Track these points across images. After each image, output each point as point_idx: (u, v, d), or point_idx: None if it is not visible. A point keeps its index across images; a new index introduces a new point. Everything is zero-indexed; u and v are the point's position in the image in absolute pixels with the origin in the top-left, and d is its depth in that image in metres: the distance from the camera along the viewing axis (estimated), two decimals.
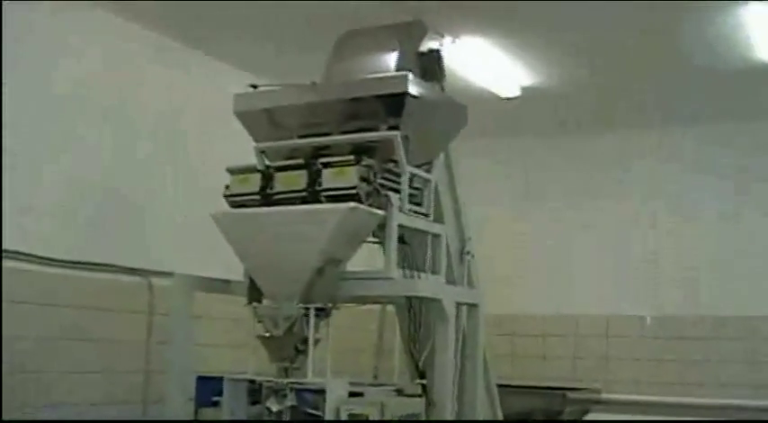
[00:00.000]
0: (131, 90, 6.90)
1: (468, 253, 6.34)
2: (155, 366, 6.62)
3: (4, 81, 5.79)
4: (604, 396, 9.13)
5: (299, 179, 5.29)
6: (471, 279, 6.34)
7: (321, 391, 5.07)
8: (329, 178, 5.21)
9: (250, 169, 5.48)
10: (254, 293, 5.41)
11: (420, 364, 5.71)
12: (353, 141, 5.48)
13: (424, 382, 5.63)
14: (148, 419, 6.33)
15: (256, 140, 5.75)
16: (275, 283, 5.33)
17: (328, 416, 5.01)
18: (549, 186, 10.24)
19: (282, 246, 5.23)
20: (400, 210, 5.37)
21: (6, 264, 5.80)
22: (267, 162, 5.59)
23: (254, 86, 5.79)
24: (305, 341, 5.24)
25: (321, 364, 5.26)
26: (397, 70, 5.66)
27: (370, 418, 4.99)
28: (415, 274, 5.60)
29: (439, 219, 5.93)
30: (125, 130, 6.83)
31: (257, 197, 5.39)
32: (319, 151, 5.50)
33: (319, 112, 5.62)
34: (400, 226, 5.38)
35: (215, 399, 5.44)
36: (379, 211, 5.26)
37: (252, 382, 5.33)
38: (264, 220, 5.31)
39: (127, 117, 6.84)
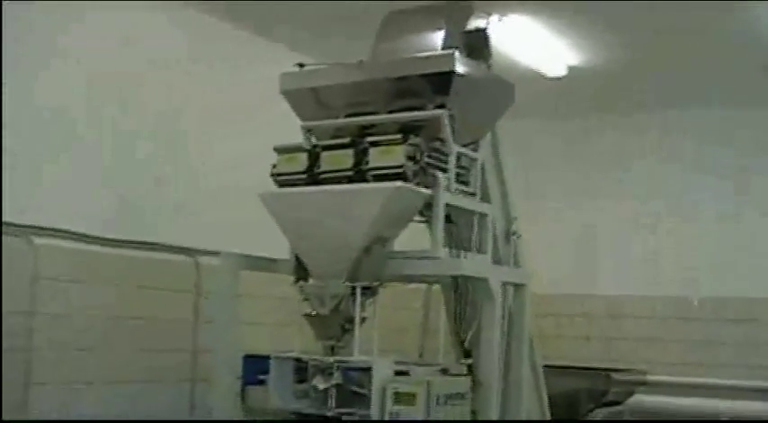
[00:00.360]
0: (180, 70, 6.89)
1: (515, 233, 6.33)
2: (201, 345, 6.66)
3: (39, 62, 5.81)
4: (650, 377, 9.07)
5: (345, 158, 5.29)
6: (518, 259, 6.33)
7: (367, 370, 5.09)
8: (376, 157, 5.21)
9: (297, 148, 5.48)
10: (301, 272, 5.43)
11: (466, 343, 5.70)
12: (400, 120, 5.47)
13: (469, 361, 5.63)
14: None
15: (303, 119, 5.75)
16: (322, 261, 5.34)
17: (374, 394, 5.03)
18: (594, 164, 10.14)
19: (329, 225, 5.24)
20: (447, 189, 5.36)
21: (52, 242, 5.84)
22: (314, 141, 5.59)
23: (301, 65, 5.78)
24: (351, 320, 5.26)
25: (367, 343, 5.27)
26: (444, 49, 5.64)
27: (417, 397, 4.99)
28: (462, 253, 5.58)
29: (485, 198, 5.91)
30: (173, 109, 6.84)
31: (304, 176, 5.39)
32: (366, 130, 5.50)
33: (366, 90, 5.62)
34: (447, 205, 5.36)
35: (261, 377, 5.47)
36: (426, 191, 5.25)
37: (298, 360, 5.35)
38: (311, 200, 5.32)
39: (174, 96, 6.84)
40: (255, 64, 7.34)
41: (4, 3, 5.37)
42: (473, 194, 5.68)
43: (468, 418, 5.40)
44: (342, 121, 5.65)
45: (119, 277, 6.28)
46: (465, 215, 5.66)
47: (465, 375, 5.53)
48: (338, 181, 5.28)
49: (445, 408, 5.11)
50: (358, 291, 5.21)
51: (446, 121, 5.33)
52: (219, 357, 5.74)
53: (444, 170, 5.36)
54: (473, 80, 5.52)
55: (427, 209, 5.39)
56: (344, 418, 5.05)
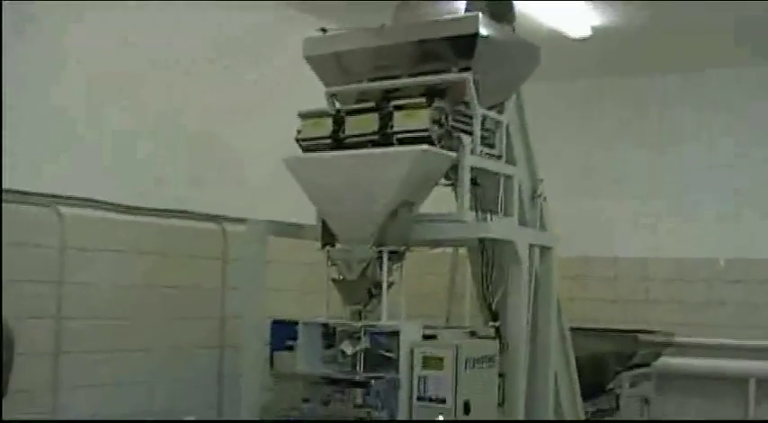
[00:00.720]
0: (203, 37, 6.87)
1: (541, 195, 6.30)
2: (230, 312, 6.68)
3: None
4: (677, 339, 9.05)
5: (370, 122, 5.27)
6: (544, 221, 6.31)
7: (395, 334, 5.11)
8: (401, 121, 5.19)
9: (321, 113, 5.48)
10: (328, 237, 5.44)
11: (493, 306, 5.70)
12: (425, 84, 5.45)
13: (497, 324, 5.64)
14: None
15: (326, 85, 5.74)
16: (348, 226, 5.34)
17: (402, 358, 5.05)
18: (620, 126, 10.07)
19: (355, 189, 5.24)
20: (472, 152, 5.35)
21: (79, 211, 5.86)
22: (338, 106, 5.58)
23: (324, 30, 5.76)
24: (378, 284, 5.27)
25: (394, 308, 5.28)
26: (467, 12, 5.60)
27: (445, 361, 5.00)
28: (488, 216, 5.57)
29: (511, 161, 5.89)
30: (203, 74, 6.81)
31: (329, 141, 5.39)
32: (390, 94, 5.48)
33: (389, 55, 5.59)
34: (472, 168, 5.36)
35: (289, 343, 5.50)
36: (452, 154, 5.24)
37: (326, 325, 5.37)
38: (336, 164, 5.32)
39: (203, 63, 6.81)
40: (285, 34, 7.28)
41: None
42: (498, 157, 5.67)
43: (497, 381, 5.42)
44: (366, 85, 5.63)
45: (146, 246, 6.29)
46: (491, 178, 5.65)
47: (493, 338, 5.55)
48: (363, 145, 5.27)
49: (473, 371, 5.12)
50: (385, 255, 5.22)
51: (471, 84, 5.31)
52: (248, 323, 5.77)
53: (469, 133, 5.35)
54: (497, 42, 5.48)
55: (453, 172, 5.39)
56: (373, 382, 5.06)
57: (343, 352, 5.20)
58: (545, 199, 6.34)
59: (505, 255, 5.61)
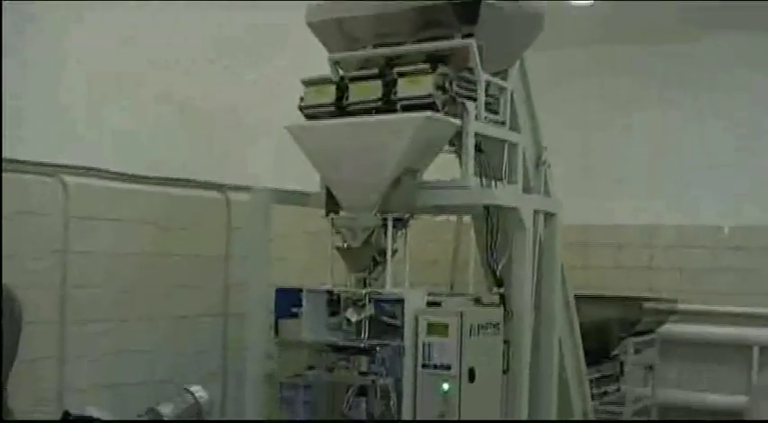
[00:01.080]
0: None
1: (545, 162, 6.29)
2: (234, 280, 6.68)
3: None
4: (681, 306, 9.07)
5: (373, 89, 5.25)
6: (548, 188, 6.30)
7: (399, 301, 5.11)
8: (404, 87, 5.17)
9: (324, 80, 5.46)
10: (332, 205, 5.43)
11: (497, 273, 5.69)
12: (428, 50, 5.42)
13: (501, 291, 5.64)
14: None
15: (329, 51, 5.72)
16: (352, 194, 5.33)
17: (407, 325, 5.05)
18: (623, 94, 10.03)
19: (359, 156, 5.22)
20: (476, 118, 5.33)
21: (83, 181, 5.85)
22: (341, 73, 5.56)
23: None
24: (383, 252, 5.27)
25: (399, 275, 5.28)
26: None
27: (450, 328, 5.00)
28: (492, 182, 5.56)
29: (515, 127, 5.88)
30: (202, 41, 6.75)
31: (332, 108, 5.37)
32: (393, 61, 5.45)
33: (392, 21, 5.56)
34: (476, 134, 5.35)
35: (294, 310, 5.50)
36: (456, 120, 5.23)
37: (330, 293, 5.36)
38: (340, 131, 5.30)
39: (205, 26, 6.75)
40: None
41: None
42: (503, 123, 5.65)
43: (501, 348, 5.43)
44: (369, 52, 5.61)
45: (149, 215, 6.28)
46: (495, 145, 5.63)
47: (497, 305, 5.55)
48: (367, 112, 5.25)
49: (478, 338, 5.13)
50: (389, 222, 5.22)
51: (475, 50, 5.29)
52: (252, 291, 5.77)
53: (473, 99, 5.33)
54: (501, 8, 5.45)
55: (457, 139, 5.38)
56: (378, 349, 5.07)
57: (347, 319, 5.20)
58: (549, 166, 6.33)
59: (510, 221, 5.60)
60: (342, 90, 5.37)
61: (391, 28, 5.58)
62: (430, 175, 5.55)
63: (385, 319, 5.18)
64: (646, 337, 8.86)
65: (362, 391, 5.10)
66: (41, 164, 5.56)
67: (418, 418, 5.03)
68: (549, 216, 6.05)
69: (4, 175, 5.23)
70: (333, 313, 5.36)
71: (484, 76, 5.38)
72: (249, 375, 5.71)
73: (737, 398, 9.07)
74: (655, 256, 9.77)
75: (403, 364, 5.03)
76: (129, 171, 6.09)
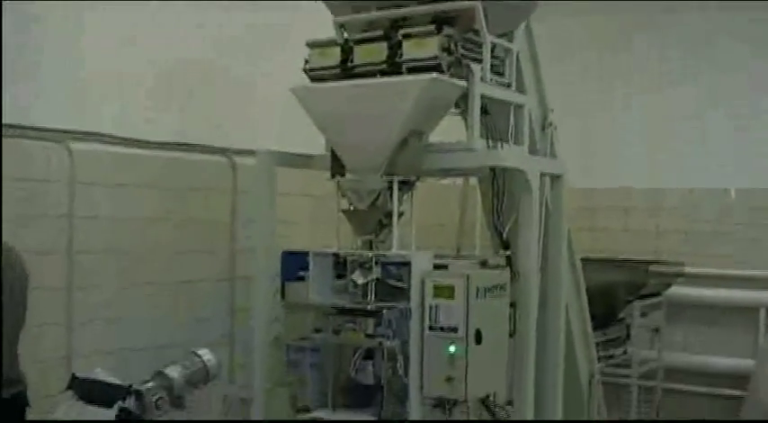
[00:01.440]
0: None
1: (551, 124, 6.27)
2: (240, 244, 6.69)
3: None
4: (687, 269, 9.06)
5: (378, 51, 5.22)
6: (554, 150, 6.29)
7: (406, 264, 5.10)
8: (409, 49, 5.13)
9: (329, 43, 5.42)
10: (337, 167, 5.42)
11: (504, 235, 5.69)
12: (433, 12, 5.37)
13: (507, 253, 5.63)
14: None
15: (334, 14, 5.68)
16: (358, 156, 5.32)
17: (413, 288, 5.05)
18: (631, 60, 9.98)
19: (364, 119, 5.20)
20: (482, 80, 5.31)
21: (89, 146, 5.84)
22: (346, 35, 5.52)
23: None
24: (389, 214, 5.26)
25: (405, 238, 5.27)
26: None
27: (456, 290, 5.00)
28: (498, 144, 5.54)
29: (521, 89, 5.85)
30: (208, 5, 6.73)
31: (337, 70, 5.34)
32: (398, 23, 5.41)
33: None
34: (482, 96, 5.32)
35: (300, 273, 5.49)
36: (461, 82, 5.20)
37: (337, 255, 5.36)
38: (345, 94, 5.27)
39: None
40: None
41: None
42: (508, 85, 5.62)
43: (508, 311, 5.43)
44: (374, 14, 5.56)
45: (155, 180, 6.28)
46: (501, 107, 5.61)
47: (504, 267, 5.55)
48: (372, 74, 5.22)
49: (484, 300, 5.12)
50: (395, 185, 5.21)
51: (480, 12, 5.25)
52: (258, 255, 5.77)
53: (479, 61, 5.30)
54: None
55: (462, 101, 5.35)
56: (384, 312, 5.07)
57: (354, 282, 5.19)
58: (556, 128, 6.31)
59: (516, 184, 5.59)
60: (347, 52, 5.33)
61: None
62: (436, 137, 5.54)
63: (391, 281, 5.17)
64: (652, 300, 8.86)
65: (369, 354, 5.13)
66: (45, 129, 5.55)
67: (425, 380, 5.03)
68: (555, 178, 6.03)
69: (10, 140, 5.23)
70: (339, 276, 5.35)
71: (489, 38, 5.34)
72: (256, 338, 5.73)
73: (744, 361, 9.09)
74: (661, 219, 9.74)
75: (409, 326, 5.03)
76: (134, 137, 6.08)
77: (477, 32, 5.30)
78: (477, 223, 6.55)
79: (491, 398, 5.26)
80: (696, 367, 9.33)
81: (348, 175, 5.39)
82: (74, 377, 4.12)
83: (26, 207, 5.42)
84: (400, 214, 5.29)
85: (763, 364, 8.56)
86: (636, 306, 8.50)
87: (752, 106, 9.36)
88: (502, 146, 5.56)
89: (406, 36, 5.17)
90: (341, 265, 5.33)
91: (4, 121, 5.14)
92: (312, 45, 5.45)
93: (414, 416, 5.02)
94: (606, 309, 7.96)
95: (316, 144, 5.68)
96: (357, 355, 5.14)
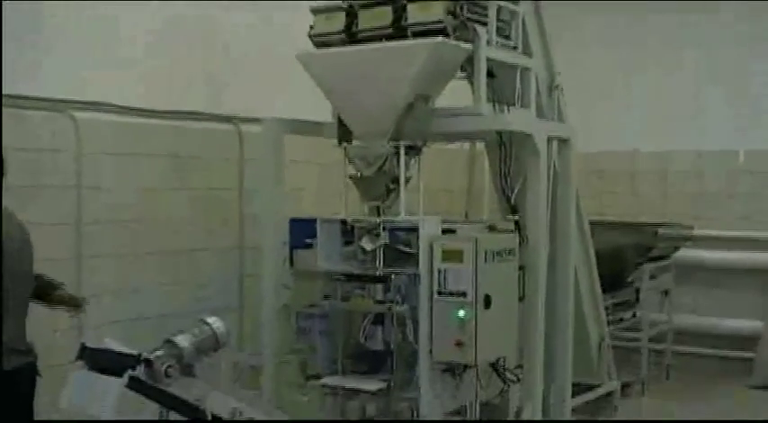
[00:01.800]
0: None
1: (558, 87, 6.24)
2: (249, 212, 6.67)
3: None
4: (696, 232, 9.03)
5: (383, 15, 5.20)
6: (561, 113, 6.25)
7: (413, 229, 5.10)
8: (414, 13, 5.11)
9: (334, 8, 5.39)
10: (344, 134, 5.41)
11: (512, 200, 5.66)
12: None
13: (516, 217, 5.62)
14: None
15: None
16: (365, 122, 5.30)
17: (422, 253, 5.04)
18: (641, 24, 9.88)
19: (370, 84, 5.18)
20: (488, 43, 5.28)
21: (94, 116, 5.82)
22: (350, 0, 5.49)
23: None
24: (396, 180, 5.25)
25: (413, 204, 5.26)
26: None
27: (465, 254, 4.99)
28: (505, 108, 5.51)
29: (527, 52, 5.82)
30: None
31: (342, 36, 5.32)
32: None
33: None
34: (488, 59, 5.30)
35: (308, 241, 5.48)
36: (467, 45, 5.17)
37: (344, 222, 5.35)
38: (350, 59, 5.26)
39: None
40: None
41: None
42: (514, 48, 5.59)
43: (517, 275, 5.42)
44: None
45: (161, 148, 6.25)
46: (507, 70, 5.58)
47: (512, 231, 5.53)
48: (377, 39, 5.21)
49: (493, 264, 5.11)
50: (402, 150, 5.19)
51: None
52: (266, 223, 5.77)
53: (484, 24, 5.27)
54: None
55: (468, 64, 5.33)
56: (393, 277, 5.07)
57: (362, 248, 5.19)
58: (562, 91, 6.27)
59: (523, 147, 5.57)
60: (351, 17, 5.31)
61: None
62: (443, 102, 5.51)
63: (399, 246, 5.17)
64: (661, 263, 8.84)
65: (379, 320, 5.13)
66: (50, 100, 5.52)
67: (435, 345, 5.03)
68: (562, 142, 6.01)
69: (14, 111, 5.20)
70: (347, 243, 5.36)
71: (495, 1, 5.30)
72: (265, 307, 5.73)
73: (753, 322, 9.08)
74: (670, 181, 9.70)
75: (418, 291, 5.03)
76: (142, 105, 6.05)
77: None
78: (485, 187, 6.52)
79: (501, 362, 5.27)
80: (705, 329, 9.32)
81: (355, 142, 5.37)
82: (83, 347, 4.10)
83: (33, 178, 5.40)
84: (407, 180, 5.27)
85: None
86: (645, 269, 8.48)
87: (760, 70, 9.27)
88: (508, 110, 5.53)
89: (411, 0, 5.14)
90: (349, 232, 5.33)
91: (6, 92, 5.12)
92: (316, 11, 5.42)
93: (423, 381, 5.02)
94: (615, 272, 7.94)
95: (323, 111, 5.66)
96: (366, 321, 5.14)
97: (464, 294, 4.98)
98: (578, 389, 6.74)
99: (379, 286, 5.10)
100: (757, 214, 9.28)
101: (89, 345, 4.08)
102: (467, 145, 6.97)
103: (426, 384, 5.04)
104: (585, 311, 6.93)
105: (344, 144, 5.41)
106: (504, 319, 5.25)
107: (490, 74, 5.35)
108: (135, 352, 4.05)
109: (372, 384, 5.10)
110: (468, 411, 5.29)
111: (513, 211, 5.66)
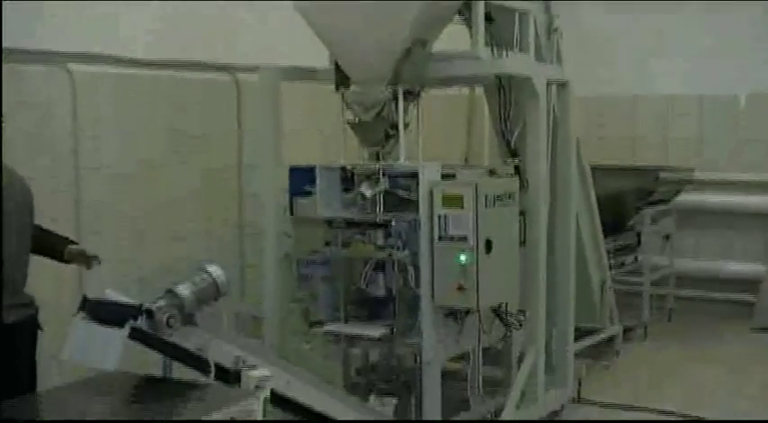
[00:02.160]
0: None
1: (556, 30, 6.18)
2: (248, 160, 6.63)
3: None
4: (697, 175, 9.01)
5: None
6: (560, 56, 6.20)
7: (413, 175, 5.08)
8: None
9: None
10: (342, 79, 5.36)
11: (512, 144, 5.63)
12: None
13: (516, 161, 5.59)
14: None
15: None
16: (362, 67, 5.25)
17: (421, 198, 5.03)
18: None
19: (367, 28, 5.12)
20: None
21: (91, 68, 5.76)
22: None
23: None
24: (395, 125, 5.22)
25: (412, 149, 5.23)
26: None
27: (465, 199, 4.97)
28: (504, 52, 5.46)
29: None
30: None
31: None
32: None
33: None
34: (486, 2, 5.24)
35: (308, 188, 5.46)
36: None
37: (344, 169, 5.33)
38: (347, 4, 5.18)
39: None
40: None
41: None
42: None
43: (518, 219, 5.40)
44: None
45: (158, 99, 6.20)
46: (505, 13, 5.52)
47: (512, 176, 5.51)
48: None
49: (494, 209, 5.10)
50: (400, 94, 5.16)
51: None
52: (265, 171, 5.74)
53: None
54: None
55: (466, 8, 5.28)
56: (393, 223, 5.05)
57: (362, 194, 5.17)
58: (561, 34, 6.22)
59: (522, 91, 5.53)
60: None
61: None
62: (440, 46, 5.46)
63: (399, 192, 5.16)
64: (662, 207, 8.83)
65: (380, 266, 5.12)
66: (46, 52, 5.46)
67: (437, 290, 5.03)
68: (561, 86, 5.97)
69: (11, 65, 5.15)
70: (347, 189, 5.34)
71: None
72: (266, 255, 5.72)
73: (755, 266, 9.10)
74: (671, 126, 9.66)
75: (419, 237, 5.02)
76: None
77: None
78: (485, 132, 6.48)
79: (503, 307, 5.27)
80: (707, 273, 9.34)
81: (353, 87, 5.33)
82: (85, 298, 4.10)
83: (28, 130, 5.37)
84: (406, 125, 5.24)
85: None
86: (646, 213, 8.48)
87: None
88: (507, 53, 5.48)
89: None
90: (348, 179, 5.32)
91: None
92: None
93: (426, 326, 5.03)
94: (616, 216, 7.94)
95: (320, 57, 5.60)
96: (367, 267, 5.14)
97: (465, 239, 4.97)
98: (580, 333, 6.77)
99: (380, 232, 5.08)
100: (757, 158, 9.25)
101: (90, 296, 4.08)
102: (466, 89, 6.92)
103: (429, 329, 5.05)
104: (587, 256, 6.92)
105: (342, 90, 5.36)
106: (505, 264, 5.24)
107: (488, 18, 5.30)
108: (136, 303, 4.05)
109: (375, 330, 5.11)
110: (471, 356, 5.31)
111: (514, 155, 5.64)
